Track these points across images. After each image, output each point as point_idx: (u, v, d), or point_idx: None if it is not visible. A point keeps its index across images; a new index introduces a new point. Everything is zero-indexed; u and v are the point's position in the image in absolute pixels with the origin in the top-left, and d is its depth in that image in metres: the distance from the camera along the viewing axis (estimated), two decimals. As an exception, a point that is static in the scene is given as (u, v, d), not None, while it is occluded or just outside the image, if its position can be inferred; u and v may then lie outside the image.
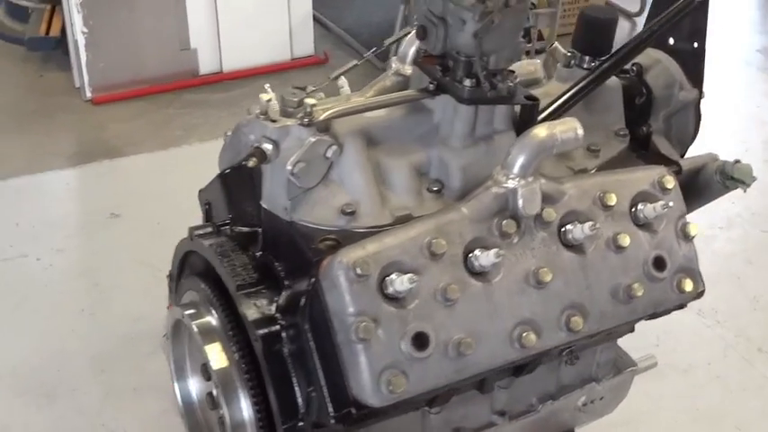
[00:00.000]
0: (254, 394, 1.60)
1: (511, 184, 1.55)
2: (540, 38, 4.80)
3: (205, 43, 4.58)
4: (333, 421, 1.49)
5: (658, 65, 1.88)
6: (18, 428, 2.77)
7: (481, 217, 1.55)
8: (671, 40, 1.88)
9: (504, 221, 1.55)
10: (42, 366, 2.94)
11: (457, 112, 1.64)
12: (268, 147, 1.53)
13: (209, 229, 1.75)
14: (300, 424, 1.55)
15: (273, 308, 1.59)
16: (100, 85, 4.39)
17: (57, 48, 4.61)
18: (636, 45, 1.77)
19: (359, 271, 1.45)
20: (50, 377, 2.90)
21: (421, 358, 1.48)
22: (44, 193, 3.78)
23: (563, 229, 1.61)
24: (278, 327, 1.57)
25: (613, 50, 1.79)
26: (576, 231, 1.60)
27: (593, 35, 1.76)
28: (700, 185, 1.87)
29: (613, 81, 1.85)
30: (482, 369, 1.54)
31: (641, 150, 1.86)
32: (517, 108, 1.68)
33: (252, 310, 1.59)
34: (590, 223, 1.58)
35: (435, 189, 1.66)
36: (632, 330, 1.96)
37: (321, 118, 1.54)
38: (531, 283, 1.57)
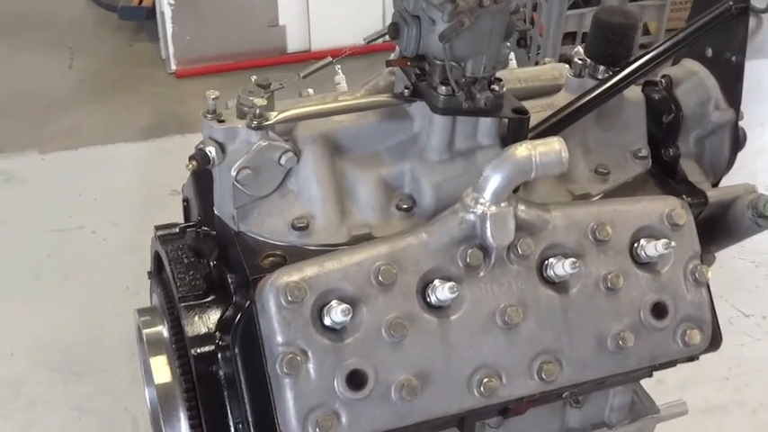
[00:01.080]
0: (190, 416, 1.47)
1: (480, 209, 1.35)
2: (647, 32, 4.48)
3: (294, 20, 4.48)
4: None
5: (692, 78, 1.64)
6: (42, 405, 2.75)
7: (443, 244, 1.37)
8: (709, 51, 1.63)
9: (470, 251, 1.37)
10: (77, 343, 2.93)
11: (432, 123, 1.45)
12: (211, 149, 1.39)
13: (174, 230, 1.63)
14: None
15: (215, 325, 1.45)
16: (184, 57, 4.36)
17: (148, 18, 4.60)
18: (657, 55, 1.54)
19: (289, 297, 1.30)
20: (83, 355, 2.88)
21: (357, 399, 1.32)
22: (111, 165, 3.76)
23: (545, 264, 1.41)
24: (214, 346, 1.43)
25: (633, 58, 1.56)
26: (558, 267, 1.40)
27: (606, 41, 1.53)
28: (729, 220, 1.63)
29: (636, 94, 1.62)
30: (432, 415, 1.36)
31: (664, 176, 1.63)
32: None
33: (191, 325, 1.45)
34: (571, 260, 1.38)
35: (405, 207, 1.48)
36: (650, 375, 1.74)
37: (271, 121, 1.39)
38: (497, 323, 1.38)
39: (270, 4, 4.40)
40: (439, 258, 1.37)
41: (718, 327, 1.52)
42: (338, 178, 1.47)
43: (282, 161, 1.41)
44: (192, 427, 1.47)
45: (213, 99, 1.40)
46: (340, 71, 1.74)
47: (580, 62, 1.58)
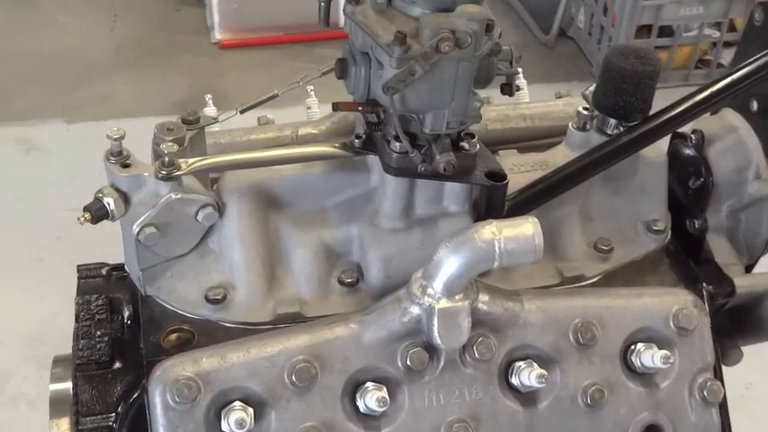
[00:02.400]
0: None
1: (427, 302, 1.08)
2: (732, 29, 4.07)
3: (347, -7, 4.19)
4: None
5: (730, 136, 1.33)
6: (24, 403, 2.60)
7: (380, 339, 1.10)
8: (754, 104, 1.31)
9: (412, 351, 1.10)
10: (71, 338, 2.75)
11: (385, 184, 1.18)
12: (110, 200, 1.14)
13: (100, 273, 1.39)
14: None
15: (114, 400, 1.22)
16: (230, 27, 4.12)
17: (199, -17, 4.39)
18: (686, 110, 1.23)
19: (177, 397, 1.05)
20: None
21: None
22: (138, 138, 3.56)
23: (511, 367, 1.14)
24: (110, 424, 1.20)
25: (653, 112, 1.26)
26: (524, 375, 1.12)
27: (618, 91, 1.22)
28: (760, 315, 1.32)
29: (656, 152, 1.31)
30: None
31: (684, 254, 1.32)
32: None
33: (85, 395, 1.22)
34: (538, 372, 1.10)
35: (348, 281, 1.21)
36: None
37: (182, 171, 1.13)
38: (442, 440, 1.11)
39: (323, -26, 4.11)
40: (374, 356, 1.11)
41: (732, 453, 1.23)
42: (272, 238, 1.21)
43: (200, 217, 1.16)
44: None
45: (116, 139, 1.15)
46: (312, 93, 1.48)
47: (585, 113, 1.28)
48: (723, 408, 1.22)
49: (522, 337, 1.14)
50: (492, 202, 1.18)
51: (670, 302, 1.19)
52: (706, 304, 1.25)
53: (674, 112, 1.23)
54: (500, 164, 1.17)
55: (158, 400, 1.07)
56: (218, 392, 1.07)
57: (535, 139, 1.43)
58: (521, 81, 1.48)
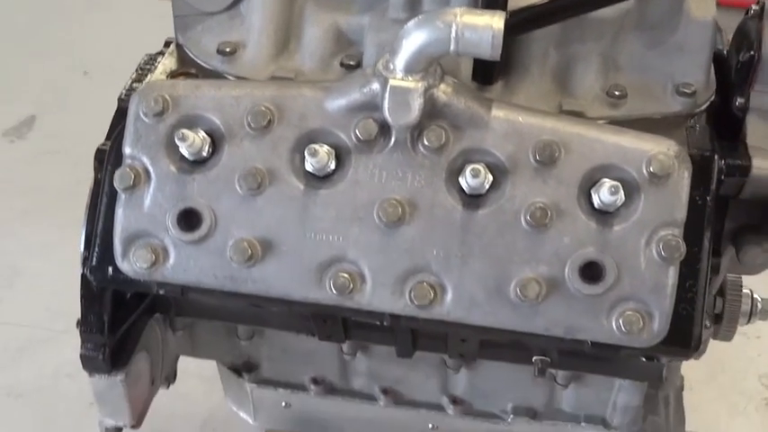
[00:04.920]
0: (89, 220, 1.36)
1: (384, 75, 1.11)
2: None
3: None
4: (88, 272, 1.25)
5: (794, 12, 1.22)
6: None
7: (339, 107, 1.15)
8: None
9: (363, 121, 1.14)
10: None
11: None
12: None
13: None
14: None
15: None
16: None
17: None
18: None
19: (144, 109, 1.17)
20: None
21: (187, 241, 1.17)
22: None
23: (465, 168, 1.14)
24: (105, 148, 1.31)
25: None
26: (469, 176, 1.12)
27: None
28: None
29: (704, 12, 1.23)
30: (270, 293, 1.17)
31: (712, 128, 1.24)
32: None
33: None
34: (482, 172, 1.10)
35: (348, 63, 1.27)
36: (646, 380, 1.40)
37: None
38: (374, 216, 1.14)
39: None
40: (330, 121, 1.16)
41: (692, 326, 1.15)
42: (294, 13, 1.29)
43: (234, -22, 1.26)
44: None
45: None
46: None
47: None
48: (679, 273, 1.13)
49: (480, 140, 1.14)
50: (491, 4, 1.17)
51: (649, 147, 1.12)
52: (714, 176, 1.17)
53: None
54: None
55: (132, 110, 1.18)
56: (183, 115, 1.17)
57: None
58: None
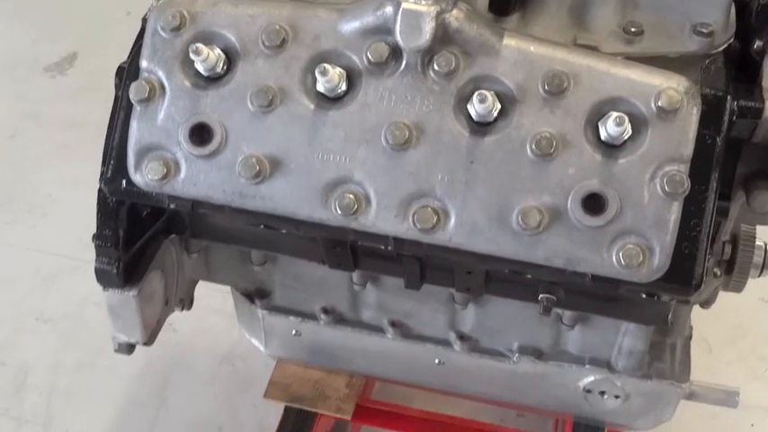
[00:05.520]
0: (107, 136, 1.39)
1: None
2: None
3: None
4: (103, 184, 1.28)
5: (816, -48, 1.20)
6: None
7: (353, 29, 1.16)
8: None
9: (374, 45, 1.15)
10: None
11: None
12: None
13: None
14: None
15: None
16: None
17: None
18: None
19: (162, 23, 1.19)
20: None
21: (198, 155, 1.19)
22: None
23: (474, 95, 1.14)
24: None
25: None
26: (477, 102, 1.13)
27: None
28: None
29: (729, -46, 1.22)
30: (277, 210, 1.19)
31: (728, 69, 1.23)
32: None
33: None
34: (489, 98, 1.11)
35: None
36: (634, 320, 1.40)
37: None
38: (381, 138, 1.15)
39: None
40: (343, 42, 1.17)
41: (694, 265, 1.15)
42: None
43: None
44: None
45: None
46: None
47: None
48: (681, 209, 1.12)
49: (490, 68, 1.14)
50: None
51: (659, 81, 1.12)
52: (726, 116, 1.16)
53: None
54: None
55: (150, 25, 1.21)
56: (199, 31, 1.19)
57: None
58: None
